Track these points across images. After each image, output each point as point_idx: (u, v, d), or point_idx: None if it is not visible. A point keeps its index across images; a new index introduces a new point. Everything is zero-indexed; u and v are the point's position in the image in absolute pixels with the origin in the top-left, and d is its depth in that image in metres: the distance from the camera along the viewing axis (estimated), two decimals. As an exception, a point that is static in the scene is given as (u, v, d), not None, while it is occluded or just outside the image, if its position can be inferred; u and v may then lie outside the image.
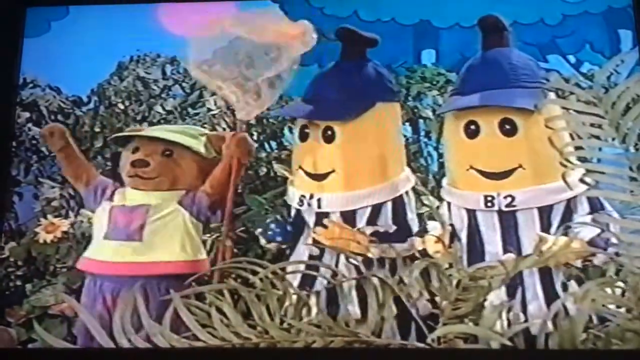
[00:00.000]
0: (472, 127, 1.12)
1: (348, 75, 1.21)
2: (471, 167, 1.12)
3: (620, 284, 0.96)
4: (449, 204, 1.16)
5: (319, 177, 1.17)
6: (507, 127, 1.09)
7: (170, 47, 1.46)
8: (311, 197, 1.17)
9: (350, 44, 1.23)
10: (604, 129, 1.07)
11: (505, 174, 1.09)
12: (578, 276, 1.02)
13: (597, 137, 1.08)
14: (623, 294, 0.95)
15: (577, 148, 1.08)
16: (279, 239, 1.22)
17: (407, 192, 1.18)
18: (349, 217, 1.15)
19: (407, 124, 1.35)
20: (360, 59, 1.23)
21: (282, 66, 1.20)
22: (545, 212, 1.07)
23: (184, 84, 1.46)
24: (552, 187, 1.07)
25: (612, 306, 0.95)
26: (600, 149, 1.10)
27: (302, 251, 1.16)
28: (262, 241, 1.22)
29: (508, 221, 1.09)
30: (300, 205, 1.18)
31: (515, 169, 1.09)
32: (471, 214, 1.11)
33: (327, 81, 1.21)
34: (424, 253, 1.10)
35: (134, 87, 1.46)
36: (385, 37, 1.38)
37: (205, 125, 1.42)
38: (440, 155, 1.28)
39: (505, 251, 1.07)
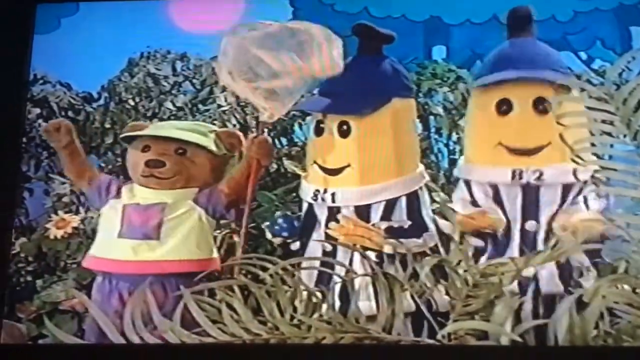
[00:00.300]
0: (505, 104, 1.13)
1: (365, 70, 1.21)
2: (500, 144, 1.13)
3: (632, 280, 0.96)
4: (467, 182, 1.17)
5: (334, 172, 1.18)
6: (541, 106, 1.11)
7: (181, 44, 1.46)
8: (325, 191, 1.17)
9: (367, 39, 1.23)
10: (615, 126, 1.07)
11: (535, 151, 1.10)
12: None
13: (609, 134, 1.07)
14: (634, 291, 0.94)
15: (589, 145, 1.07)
16: (285, 233, 1.22)
17: (421, 188, 1.18)
18: (363, 212, 1.15)
19: (417, 120, 1.35)
20: (376, 55, 1.23)
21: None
22: (567, 190, 1.09)
23: (194, 80, 1.46)
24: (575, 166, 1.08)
25: (622, 303, 0.94)
26: (611, 146, 1.09)
27: (316, 247, 1.16)
28: (268, 235, 1.23)
29: (530, 196, 1.10)
30: (314, 200, 1.18)
31: (544, 146, 1.10)
32: (494, 189, 1.13)
33: (344, 76, 1.20)
34: (435, 249, 1.10)
35: (145, 83, 1.46)
36: (396, 34, 1.39)
37: (216, 122, 1.42)
38: (451, 152, 1.29)
39: (525, 220, 1.09)
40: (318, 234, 1.16)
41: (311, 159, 1.22)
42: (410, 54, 1.38)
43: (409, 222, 1.13)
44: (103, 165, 1.40)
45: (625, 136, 1.07)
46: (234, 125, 1.41)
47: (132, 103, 1.45)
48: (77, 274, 1.28)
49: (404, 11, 1.38)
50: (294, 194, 1.25)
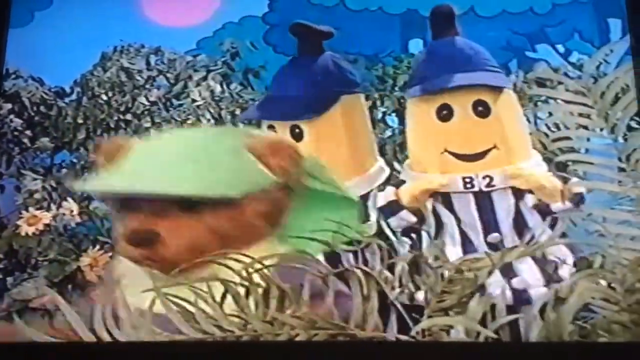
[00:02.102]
0: (445, 110, 1.10)
1: (307, 70, 1.17)
2: (446, 151, 1.11)
3: (608, 275, 0.94)
4: None
5: None
6: (480, 108, 1.08)
7: (155, 37, 1.43)
8: None
9: (305, 38, 1.19)
10: (592, 119, 1.05)
11: (481, 155, 1.08)
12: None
13: (585, 127, 1.06)
14: (609, 286, 0.92)
15: (564, 138, 1.05)
16: None
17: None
18: None
19: (393, 114, 1.33)
20: (318, 53, 1.19)
21: None
22: (518, 193, 1.07)
23: (168, 75, 1.43)
24: (524, 165, 1.07)
25: (599, 299, 0.92)
26: (588, 140, 1.07)
27: None
28: None
29: (485, 204, 1.08)
30: None
31: (490, 149, 1.08)
32: (446, 197, 1.10)
33: (288, 78, 1.18)
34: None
35: (118, 77, 1.43)
36: (372, 27, 1.36)
37: (190, 117, 1.39)
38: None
39: (487, 233, 1.07)
40: None
41: None
42: (387, 47, 1.35)
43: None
44: (75, 161, 1.37)
45: (602, 129, 1.05)
46: (209, 120, 1.38)
47: (105, 98, 1.41)
48: (49, 271, 1.25)
49: (381, 4, 1.36)
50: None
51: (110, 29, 1.41)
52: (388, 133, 1.33)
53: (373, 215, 1.12)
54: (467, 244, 1.08)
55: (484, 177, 1.07)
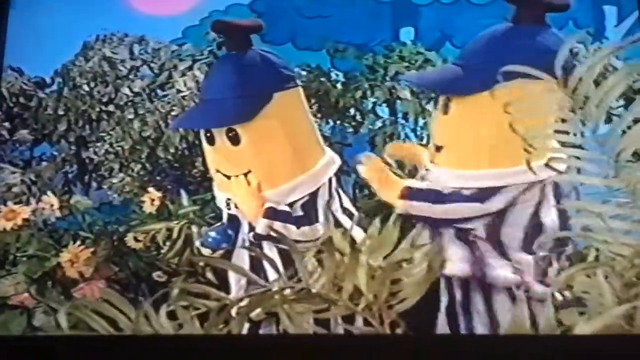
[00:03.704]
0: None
1: (235, 70, 1.13)
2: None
3: (604, 268, 0.92)
4: None
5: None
6: (447, 104, 1.06)
7: (139, 26, 1.39)
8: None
9: (230, 35, 1.15)
10: (574, 112, 1.02)
11: (437, 149, 1.07)
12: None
13: (563, 120, 1.03)
14: (606, 279, 0.91)
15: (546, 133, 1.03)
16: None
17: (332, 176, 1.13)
18: None
19: (384, 104, 1.30)
20: (245, 50, 1.14)
21: None
22: None
23: (152, 65, 1.39)
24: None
25: (595, 293, 0.91)
26: (575, 134, 1.05)
27: (243, 255, 1.11)
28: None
29: None
30: (228, 209, 1.13)
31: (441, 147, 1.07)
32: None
33: (216, 80, 1.14)
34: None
35: (100, 67, 1.39)
36: (362, 15, 1.33)
37: (175, 107, 1.36)
38: (419, 137, 1.23)
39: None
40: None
41: (213, 167, 1.16)
42: (377, 36, 1.32)
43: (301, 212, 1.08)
44: (56, 154, 1.34)
45: (586, 122, 1.03)
46: (195, 111, 1.36)
47: (87, 88, 1.38)
48: (27, 267, 1.23)
49: (371, -9, 1.34)
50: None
51: (93, 17, 1.38)
52: (378, 124, 1.31)
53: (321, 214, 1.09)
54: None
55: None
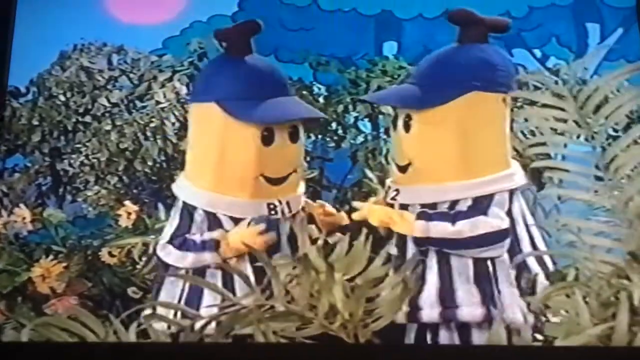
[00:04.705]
0: (395, 119, 1.13)
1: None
2: (392, 159, 1.14)
3: (583, 288, 0.94)
4: None
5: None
6: (409, 122, 1.09)
7: (118, 35, 1.41)
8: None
9: (232, 41, 1.17)
10: (569, 125, 1.06)
11: (403, 169, 1.10)
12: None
13: (562, 134, 1.06)
14: (584, 299, 0.93)
15: (540, 144, 1.06)
16: None
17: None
18: None
19: (366, 119, 1.32)
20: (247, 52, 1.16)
21: None
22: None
23: (131, 75, 1.41)
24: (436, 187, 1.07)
25: (573, 314, 0.93)
26: (565, 146, 1.08)
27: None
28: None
29: None
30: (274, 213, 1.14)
31: (407, 165, 1.09)
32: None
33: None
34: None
35: (77, 77, 1.40)
36: (346, 28, 1.36)
37: (154, 119, 1.38)
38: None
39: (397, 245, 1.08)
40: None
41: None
42: (361, 49, 1.35)
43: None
44: (29, 165, 1.34)
45: (579, 136, 1.06)
46: (173, 124, 1.37)
47: (63, 98, 1.38)
48: (-4, 281, 1.22)
49: (355, 4, 1.36)
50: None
51: (71, 26, 1.39)
52: (360, 139, 1.33)
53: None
54: None
55: (393, 190, 1.12)
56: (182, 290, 1.09)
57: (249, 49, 1.16)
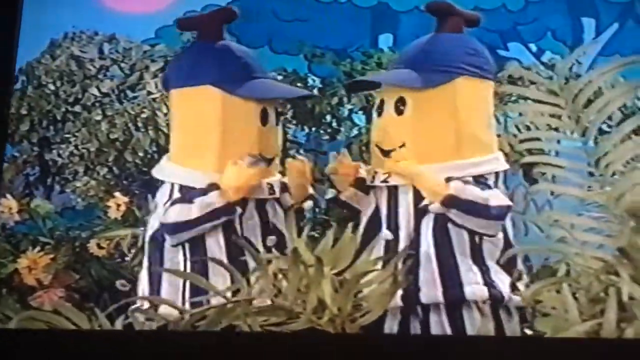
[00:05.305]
0: (381, 106, 1.15)
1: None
2: (375, 145, 1.16)
3: (573, 284, 0.95)
4: None
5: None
6: (401, 107, 1.12)
7: (109, 24, 1.41)
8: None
9: (206, 28, 1.19)
10: (563, 121, 1.07)
11: (388, 153, 1.12)
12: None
13: (556, 129, 1.08)
14: (574, 296, 0.94)
15: (533, 139, 1.07)
16: None
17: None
18: None
19: (360, 112, 1.33)
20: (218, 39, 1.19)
21: None
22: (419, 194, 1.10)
23: (122, 65, 1.41)
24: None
25: (562, 310, 0.94)
26: (558, 142, 1.10)
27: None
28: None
29: (389, 199, 1.12)
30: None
31: (400, 147, 1.11)
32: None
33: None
34: None
35: (67, 66, 1.40)
36: (341, 20, 1.37)
37: (145, 110, 1.38)
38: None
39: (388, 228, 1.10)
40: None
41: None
42: (356, 41, 1.36)
43: None
44: (17, 155, 1.34)
45: (572, 132, 1.08)
46: (165, 114, 1.37)
47: (53, 88, 1.39)
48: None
49: (351, -4, 1.37)
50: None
51: (61, 14, 1.39)
52: (354, 132, 1.34)
53: None
54: None
55: (383, 173, 1.12)
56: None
57: (222, 35, 1.19)
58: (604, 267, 0.93)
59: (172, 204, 1.10)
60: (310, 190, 1.18)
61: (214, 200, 1.08)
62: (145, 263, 1.14)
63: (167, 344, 1.04)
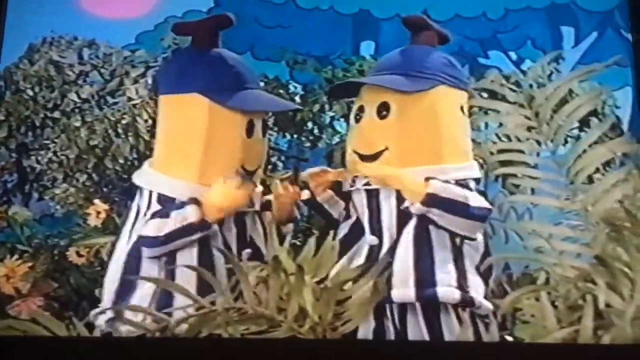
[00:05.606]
0: (361, 111, 1.17)
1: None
2: (353, 151, 1.17)
3: (551, 292, 0.97)
4: None
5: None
6: (384, 111, 1.13)
7: (89, 29, 1.40)
8: None
9: (201, 35, 1.19)
10: (539, 132, 1.09)
11: (375, 156, 1.12)
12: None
13: (534, 140, 1.10)
14: (553, 304, 0.96)
15: (507, 150, 1.09)
16: None
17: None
18: None
19: (342, 119, 1.34)
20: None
21: None
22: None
23: (102, 70, 1.41)
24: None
25: (540, 318, 0.96)
26: (538, 154, 1.12)
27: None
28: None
29: (370, 203, 1.13)
30: None
31: (382, 151, 1.13)
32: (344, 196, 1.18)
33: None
34: None
35: (46, 71, 1.40)
36: (323, 26, 1.38)
37: (126, 116, 1.38)
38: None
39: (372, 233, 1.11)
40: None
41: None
42: (338, 49, 1.37)
43: None
44: (-6, 161, 1.34)
45: (543, 143, 1.10)
46: (146, 121, 1.37)
47: (31, 93, 1.38)
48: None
49: (333, 3, 1.38)
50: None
51: (40, 18, 1.39)
52: (336, 139, 1.35)
53: None
54: None
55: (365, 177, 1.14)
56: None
57: (216, 43, 1.19)
58: (581, 275, 0.96)
59: (152, 216, 1.10)
60: (295, 213, 1.19)
61: (190, 214, 1.07)
62: (118, 271, 1.13)
63: (146, 351, 1.04)
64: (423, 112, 1.13)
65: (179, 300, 1.04)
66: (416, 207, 1.08)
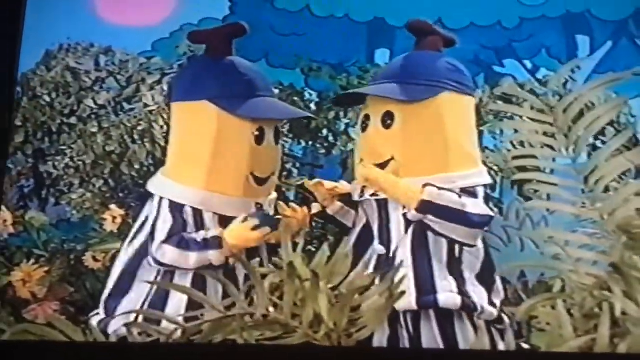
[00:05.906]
0: (367, 120, 1.18)
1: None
2: (361, 160, 1.18)
3: (567, 300, 0.98)
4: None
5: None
6: (389, 120, 1.14)
7: (106, 36, 1.43)
8: None
9: (215, 43, 1.22)
10: (555, 138, 1.10)
11: (381, 167, 1.14)
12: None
13: (549, 146, 1.11)
14: (569, 312, 0.96)
15: (525, 157, 1.10)
16: None
17: None
18: None
19: (356, 126, 1.36)
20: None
21: None
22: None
23: (119, 77, 1.43)
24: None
25: (556, 326, 0.96)
26: (554, 160, 1.13)
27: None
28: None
29: (380, 212, 1.14)
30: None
31: (388, 160, 1.14)
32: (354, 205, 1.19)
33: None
34: None
35: (63, 78, 1.42)
36: (338, 34, 1.40)
37: (142, 122, 1.40)
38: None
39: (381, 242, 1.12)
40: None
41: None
42: (352, 56, 1.38)
43: None
44: (11, 166, 1.35)
45: (565, 149, 1.11)
46: (162, 127, 1.39)
47: (48, 99, 1.41)
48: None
49: (347, 11, 1.40)
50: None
51: (57, 25, 1.41)
52: (350, 146, 1.36)
53: None
54: None
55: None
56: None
57: (230, 51, 1.21)
58: (597, 283, 0.96)
59: (167, 241, 1.12)
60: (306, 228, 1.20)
61: (212, 258, 1.10)
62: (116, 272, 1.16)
63: (161, 357, 1.05)
64: (428, 120, 1.14)
65: (172, 304, 1.06)
66: (412, 214, 1.10)
